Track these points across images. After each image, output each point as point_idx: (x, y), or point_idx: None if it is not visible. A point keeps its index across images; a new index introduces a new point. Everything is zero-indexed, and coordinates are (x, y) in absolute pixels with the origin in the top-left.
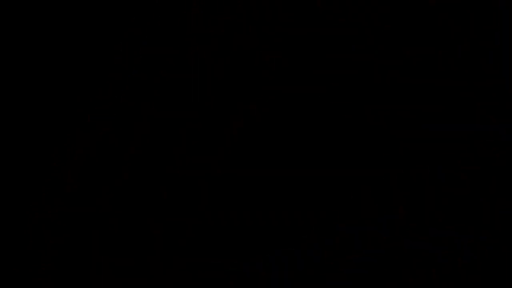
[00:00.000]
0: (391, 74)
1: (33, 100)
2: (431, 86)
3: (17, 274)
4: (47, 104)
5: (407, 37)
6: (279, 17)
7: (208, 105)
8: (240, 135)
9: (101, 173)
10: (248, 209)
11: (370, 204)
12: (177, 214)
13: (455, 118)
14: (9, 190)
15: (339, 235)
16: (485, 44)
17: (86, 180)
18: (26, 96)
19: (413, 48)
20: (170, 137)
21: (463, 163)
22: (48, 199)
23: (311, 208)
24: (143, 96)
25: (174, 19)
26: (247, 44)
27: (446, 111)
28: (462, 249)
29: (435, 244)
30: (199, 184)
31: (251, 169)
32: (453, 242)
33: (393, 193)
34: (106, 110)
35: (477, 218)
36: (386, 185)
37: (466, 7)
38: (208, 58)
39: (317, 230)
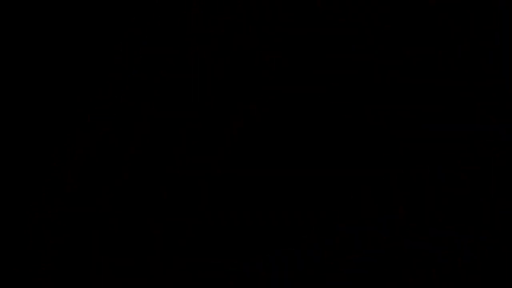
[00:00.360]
0: (391, 74)
1: (33, 100)
2: (431, 86)
3: (17, 274)
4: (47, 104)
5: (407, 37)
6: (279, 17)
7: (208, 105)
8: (240, 135)
9: (101, 173)
10: (248, 209)
11: (370, 204)
12: (177, 214)
13: (455, 118)
14: (9, 190)
15: (339, 235)
16: (485, 44)
17: (86, 180)
18: (26, 96)
19: (413, 48)
20: (170, 137)
21: (463, 163)
22: (48, 199)
23: (311, 208)
24: (143, 96)
25: (174, 19)
26: (247, 44)
27: (446, 111)
28: (462, 249)
29: (435, 244)
30: (199, 184)
31: (251, 169)
32: (453, 242)
33: (393, 193)
34: (106, 110)
35: (477, 218)
36: (386, 185)
37: (466, 7)
38: (208, 58)
39: (317, 230)
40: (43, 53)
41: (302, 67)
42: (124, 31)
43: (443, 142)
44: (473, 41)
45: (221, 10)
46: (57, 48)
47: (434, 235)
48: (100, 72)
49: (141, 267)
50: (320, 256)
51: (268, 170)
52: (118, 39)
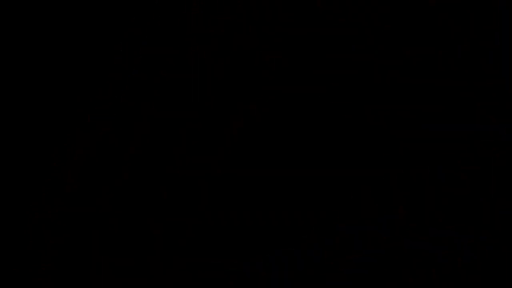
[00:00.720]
0: (391, 74)
1: (33, 100)
2: (431, 86)
3: (17, 274)
4: (47, 104)
5: (407, 37)
6: (279, 17)
7: (208, 105)
8: (240, 135)
9: (101, 173)
10: (248, 209)
11: (370, 204)
12: (177, 214)
13: (455, 118)
14: (9, 190)
15: (339, 235)
16: (485, 44)
17: (86, 180)
18: (26, 96)
19: (413, 48)
20: (170, 137)
21: (463, 163)
22: (48, 199)
23: (311, 208)
24: (143, 96)
25: (174, 19)
26: (247, 44)
27: (446, 111)
28: (462, 249)
29: (435, 244)
30: (199, 184)
31: (251, 169)
32: (453, 242)
33: (393, 193)
34: (106, 110)
35: (477, 218)
36: (386, 185)
37: (466, 7)
38: (208, 58)
39: (317, 230)
40: (43, 53)
41: (302, 67)
42: (124, 31)
43: (443, 142)
44: (473, 41)
45: (221, 10)
46: (57, 48)
47: (434, 235)
48: (100, 72)
49: (141, 267)
50: (320, 256)
51: (268, 170)
52: (118, 39)
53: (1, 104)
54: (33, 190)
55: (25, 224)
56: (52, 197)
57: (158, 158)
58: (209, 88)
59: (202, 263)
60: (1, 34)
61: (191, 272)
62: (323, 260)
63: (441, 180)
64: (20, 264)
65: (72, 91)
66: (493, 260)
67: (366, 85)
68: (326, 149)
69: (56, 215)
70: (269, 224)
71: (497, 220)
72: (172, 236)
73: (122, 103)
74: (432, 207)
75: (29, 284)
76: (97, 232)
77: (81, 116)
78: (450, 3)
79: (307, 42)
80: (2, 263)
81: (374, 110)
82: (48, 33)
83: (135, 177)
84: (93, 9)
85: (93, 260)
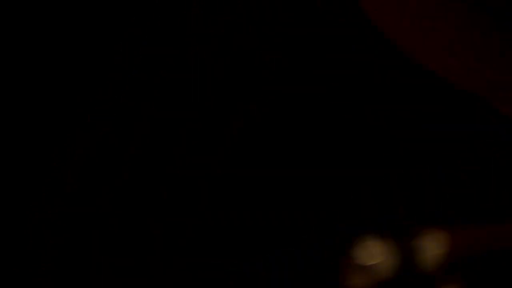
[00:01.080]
0: (391, 74)
1: (33, 100)
2: (431, 86)
3: (17, 274)
4: (47, 104)
5: None
6: (279, 17)
7: (208, 105)
8: (240, 135)
9: (101, 173)
10: (248, 209)
11: (370, 204)
12: (177, 214)
13: (455, 118)
14: (9, 190)
15: (339, 235)
16: None
17: (86, 180)
18: (26, 96)
19: None
20: (170, 137)
21: (463, 163)
22: (48, 199)
23: (311, 208)
24: (143, 96)
25: (174, 19)
26: (247, 44)
27: (446, 111)
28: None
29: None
30: (199, 184)
31: (251, 169)
32: None
33: (393, 193)
34: (106, 110)
35: (477, 218)
36: (386, 185)
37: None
38: (208, 58)
39: (317, 230)
40: (43, 53)
41: (302, 67)
42: (124, 31)
43: (443, 142)
44: None
45: (221, 10)
46: (57, 48)
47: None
48: (100, 72)
49: (141, 267)
50: (320, 256)
51: (268, 170)
52: (118, 39)
53: (1, 104)
54: (33, 190)
55: (25, 224)
56: (52, 197)
57: (158, 158)
58: (209, 88)
59: (202, 263)
60: (0, 34)
61: (191, 272)
62: (323, 260)
63: (441, 180)
64: (20, 264)
65: (72, 91)
66: (492, 260)
67: (366, 85)
68: (326, 149)
69: (56, 215)
70: (269, 224)
71: (497, 220)
72: (172, 236)
73: (122, 103)
74: (432, 207)
75: (29, 284)
76: (97, 232)
77: (81, 116)
78: None
79: (307, 42)
80: (2, 263)
81: (374, 110)
82: (47, 32)
83: (135, 177)
84: (93, 9)
85: (93, 260)
